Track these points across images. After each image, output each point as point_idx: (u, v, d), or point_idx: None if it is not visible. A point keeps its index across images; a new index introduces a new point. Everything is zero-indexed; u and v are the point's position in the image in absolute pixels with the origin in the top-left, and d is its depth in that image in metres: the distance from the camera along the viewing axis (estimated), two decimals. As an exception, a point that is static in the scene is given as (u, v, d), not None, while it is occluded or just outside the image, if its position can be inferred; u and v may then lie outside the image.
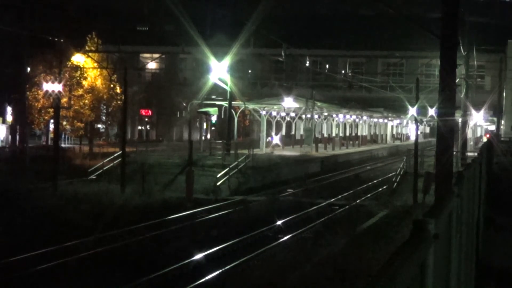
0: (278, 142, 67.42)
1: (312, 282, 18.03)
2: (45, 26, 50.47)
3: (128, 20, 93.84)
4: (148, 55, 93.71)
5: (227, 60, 48.46)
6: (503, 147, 42.39)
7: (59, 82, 41.04)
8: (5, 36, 49.49)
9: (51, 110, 50.48)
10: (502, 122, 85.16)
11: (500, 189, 25.12)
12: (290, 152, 60.12)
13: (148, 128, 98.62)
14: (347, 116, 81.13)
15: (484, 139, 72.22)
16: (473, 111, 62.20)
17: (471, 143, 69.75)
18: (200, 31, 57.85)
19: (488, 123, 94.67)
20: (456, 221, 6.41)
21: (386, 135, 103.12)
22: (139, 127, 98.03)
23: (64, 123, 58.20)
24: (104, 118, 66.59)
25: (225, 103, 58.24)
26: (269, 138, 66.48)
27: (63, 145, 63.79)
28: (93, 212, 29.28)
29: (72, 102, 54.90)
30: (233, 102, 57.69)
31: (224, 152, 48.73)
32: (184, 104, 78.77)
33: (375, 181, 47.48)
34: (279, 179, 46.18)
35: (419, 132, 49.03)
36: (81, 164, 49.43)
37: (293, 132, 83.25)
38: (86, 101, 59.03)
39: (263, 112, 64.38)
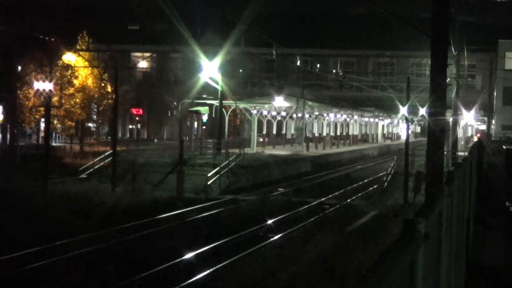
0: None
1: (303, 281, 18.03)
2: (36, 25, 50.26)
3: (119, 19, 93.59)
4: (139, 54, 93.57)
5: (218, 59, 48.45)
6: (494, 146, 42.40)
7: (50, 81, 40.91)
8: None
9: (42, 109, 50.31)
10: (493, 121, 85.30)
11: (490, 189, 25.20)
12: (281, 151, 60.10)
13: (139, 127, 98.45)
14: (338, 116, 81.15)
15: (475, 139, 72.32)
16: (464, 111, 62.29)
17: (462, 142, 69.84)
18: (191, 30, 57.76)
19: (479, 123, 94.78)
20: (447, 220, 6.43)
21: (377, 134, 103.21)
22: (130, 126, 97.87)
23: (55, 122, 58.01)
24: (95, 117, 66.42)
25: (216, 102, 58.21)
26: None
27: (53, 144, 63.62)
28: (84, 211, 29.23)
29: (63, 101, 54.70)
30: (224, 101, 57.68)
31: (215, 151, 48.70)
32: (175, 103, 78.69)
33: (365, 181, 47.51)
34: (270, 178, 46.17)
35: (410, 132, 49.05)
36: (72, 163, 49.24)
37: (283, 131, 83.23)
38: (77, 100, 58.84)
39: (254, 111, 64.36)
